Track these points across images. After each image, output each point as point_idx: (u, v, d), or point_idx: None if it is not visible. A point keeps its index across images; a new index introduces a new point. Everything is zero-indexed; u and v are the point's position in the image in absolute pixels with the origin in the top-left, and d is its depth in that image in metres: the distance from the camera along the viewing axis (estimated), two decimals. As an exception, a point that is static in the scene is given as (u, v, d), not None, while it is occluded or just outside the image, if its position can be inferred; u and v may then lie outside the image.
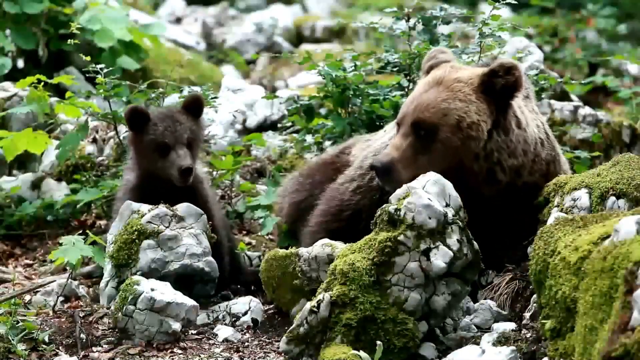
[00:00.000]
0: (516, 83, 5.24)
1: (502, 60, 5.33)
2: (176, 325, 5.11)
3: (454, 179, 4.92)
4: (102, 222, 7.05)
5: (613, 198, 4.98)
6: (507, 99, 5.28)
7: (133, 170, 5.85)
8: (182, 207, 5.60)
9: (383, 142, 5.88)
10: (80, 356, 4.99)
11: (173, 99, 7.49)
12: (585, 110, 7.83)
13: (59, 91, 8.24)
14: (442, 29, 7.16)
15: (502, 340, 4.68)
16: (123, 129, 7.07)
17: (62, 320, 5.33)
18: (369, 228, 4.87)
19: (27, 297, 5.75)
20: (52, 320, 5.31)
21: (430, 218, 4.72)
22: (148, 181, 5.75)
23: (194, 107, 5.85)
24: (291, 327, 4.76)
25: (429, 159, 5.20)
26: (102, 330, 5.25)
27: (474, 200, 5.12)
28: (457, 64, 5.54)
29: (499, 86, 5.24)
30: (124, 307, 5.10)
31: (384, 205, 4.82)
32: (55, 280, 5.85)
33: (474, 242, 4.83)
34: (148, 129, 5.71)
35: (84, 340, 5.12)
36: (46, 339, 5.04)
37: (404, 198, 4.77)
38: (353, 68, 6.92)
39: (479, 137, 5.23)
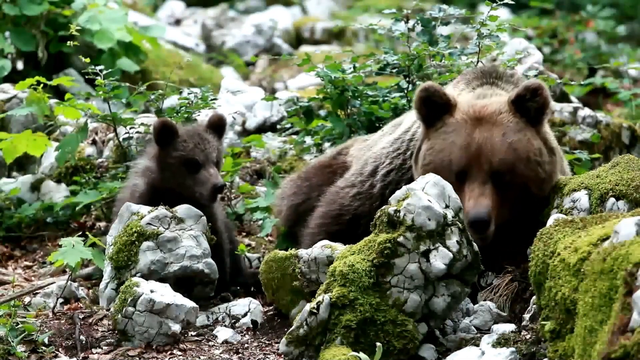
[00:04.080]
0: (545, 103, 5.26)
1: (526, 84, 5.29)
2: (176, 327, 5.11)
3: (516, 208, 5.16)
4: (102, 224, 7.05)
5: (612, 199, 4.99)
6: (540, 120, 5.30)
7: (143, 177, 5.83)
8: (182, 209, 5.59)
9: (383, 147, 5.87)
10: (80, 358, 4.99)
11: (172, 101, 7.49)
12: (585, 112, 7.83)
13: (59, 93, 8.24)
14: (441, 30, 7.16)
15: (502, 341, 4.68)
16: (122, 131, 7.07)
17: (62, 322, 5.33)
18: (368, 231, 4.87)
19: (27, 299, 5.74)
20: (51, 322, 5.31)
21: (429, 219, 4.72)
22: (159, 190, 5.73)
23: (217, 126, 5.84)
24: (291, 329, 4.76)
25: (507, 197, 5.21)
26: (102, 332, 5.25)
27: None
28: (463, 95, 5.47)
29: (532, 110, 5.25)
30: (124, 309, 5.10)
31: (383, 207, 4.82)
32: (54, 282, 5.85)
33: (474, 244, 4.83)
34: (176, 145, 5.69)
35: (84, 342, 5.12)
36: (46, 341, 5.04)
37: (403, 199, 4.77)
38: (352, 70, 6.92)
39: (544, 162, 5.27)
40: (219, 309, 5.50)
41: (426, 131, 5.40)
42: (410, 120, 5.89)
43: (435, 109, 5.33)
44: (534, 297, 4.72)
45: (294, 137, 7.55)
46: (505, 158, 5.18)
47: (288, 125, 7.61)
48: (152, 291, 5.15)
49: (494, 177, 5.18)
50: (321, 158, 6.53)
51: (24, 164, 7.75)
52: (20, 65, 9.20)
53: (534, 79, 5.44)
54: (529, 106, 5.26)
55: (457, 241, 4.75)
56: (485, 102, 5.34)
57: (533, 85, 5.26)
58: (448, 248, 4.73)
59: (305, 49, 12.48)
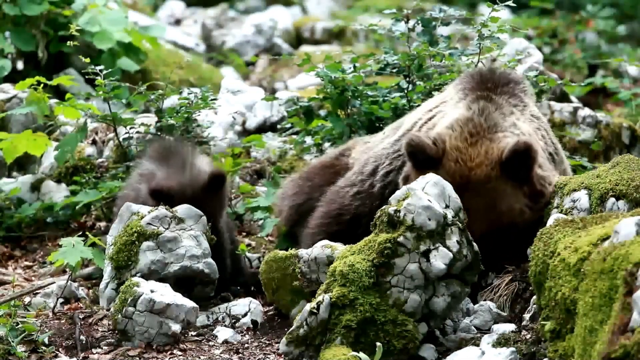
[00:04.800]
0: (533, 161, 5.22)
1: (511, 146, 5.20)
2: (176, 327, 5.11)
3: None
4: (102, 224, 7.05)
5: (613, 199, 4.99)
6: (529, 176, 5.27)
7: (147, 184, 5.80)
8: (182, 209, 5.59)
9: (383, 147, 5.87)
10: (80, 358, 4.99)
11: (172, 101, 7.49)
12: (585, 112, 7.83)
13: (59, 93, 8.24)
14: (442, 31, 7.16)
15: (502, 341, 4.68)
16: (122, 131, 7.07)
17: (62, 322, 5.33)
18: (368, 231, 4.87)
19: (27, 299, 5.75)
20: (51, 322, 5.31)
21: (429, 219, 4.72)
22: None
23: (216, 184, 5.76)
24: (291, 329, 4.76)
25: (496, 243, 5.29)
26: (102, 331, 5.25)
27: None
28: (454, 134, 5.40)
29: (521, 170, 5.22)
30: (124, 309, 5.10)
31: (383, 207, 4.82)
32: (54, 282, 5.85)
33: (474, 244, 4.83)
34: (169, 205, 5.65)
35: (84, 342, 5.12)
36: (46, 341, 5.04)
37: (403, 199, 4.77)
38: (352, 70, 6.92)
39: (526, 219, 5.28)
40: (219, 309, 5.50)
41: (416, 174, 5.33)
42: (410, 122, 5.89)
43: (423, 159, 5.30)
44: (534, 297, 4.72)
45: (294, 137, 7.55)
46: (485, 231, 5.19)
47: (288, 125, 7.61)
48: (152, 291, 5.15)
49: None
50: (323, 158, 6.52)
51: (24, 164, 7.75)
52: (20, 65, 9.20)
53: (519, 139, 5.28)
54: (516, 166, 5.20)
55: (457, 241, 4.75)
56: (463, 164, 5.26)
57: (519, 148, 5.18)
58: (448, 248, 4.73)
59: (305, 49, 12.47)
